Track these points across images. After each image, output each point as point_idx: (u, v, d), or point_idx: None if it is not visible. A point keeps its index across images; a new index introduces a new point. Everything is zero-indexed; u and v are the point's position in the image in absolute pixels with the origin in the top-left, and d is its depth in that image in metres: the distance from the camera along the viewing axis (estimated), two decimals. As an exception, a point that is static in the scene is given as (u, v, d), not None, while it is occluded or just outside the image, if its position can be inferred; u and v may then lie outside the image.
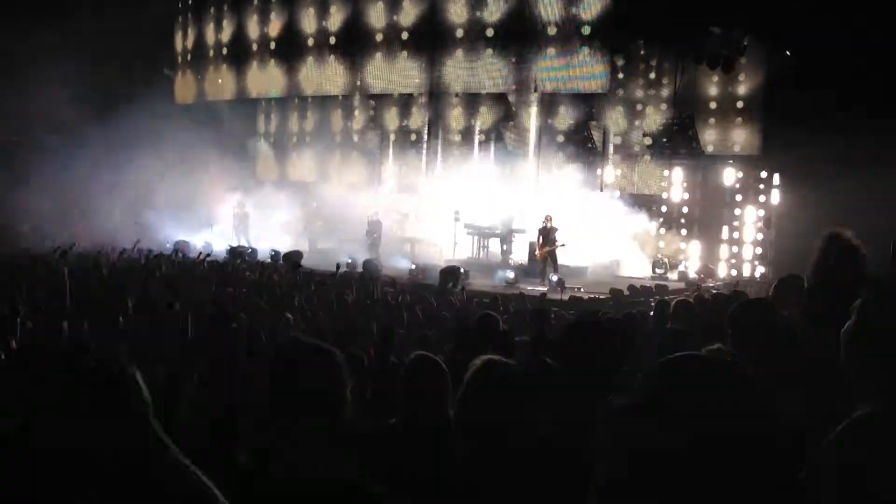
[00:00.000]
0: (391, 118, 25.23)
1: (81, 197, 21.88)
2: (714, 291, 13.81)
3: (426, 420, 3.17)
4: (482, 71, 22.57)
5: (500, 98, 23.04)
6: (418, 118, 24.63)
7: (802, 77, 17.25)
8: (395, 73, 23.79)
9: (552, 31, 21.23)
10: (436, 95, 23.63)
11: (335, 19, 24.77)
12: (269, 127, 28.54)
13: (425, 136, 24.45)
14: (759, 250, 20.25)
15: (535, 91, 22.12)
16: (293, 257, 17.22)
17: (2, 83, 21.53)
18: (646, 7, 19.24)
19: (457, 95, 23.46)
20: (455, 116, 23.90)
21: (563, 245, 18.53)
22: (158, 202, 22.86)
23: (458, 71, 22.83)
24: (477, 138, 23.73)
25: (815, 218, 16.42)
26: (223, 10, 27.58)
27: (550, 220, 18.67)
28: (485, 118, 23.49)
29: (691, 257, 20.98)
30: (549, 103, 22.40)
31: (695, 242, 21.27)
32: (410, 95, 24.36)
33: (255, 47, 26.61)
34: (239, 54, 26.97)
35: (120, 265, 13.90)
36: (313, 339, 2.45)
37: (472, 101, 23.50)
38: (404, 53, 23.58)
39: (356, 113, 26.07)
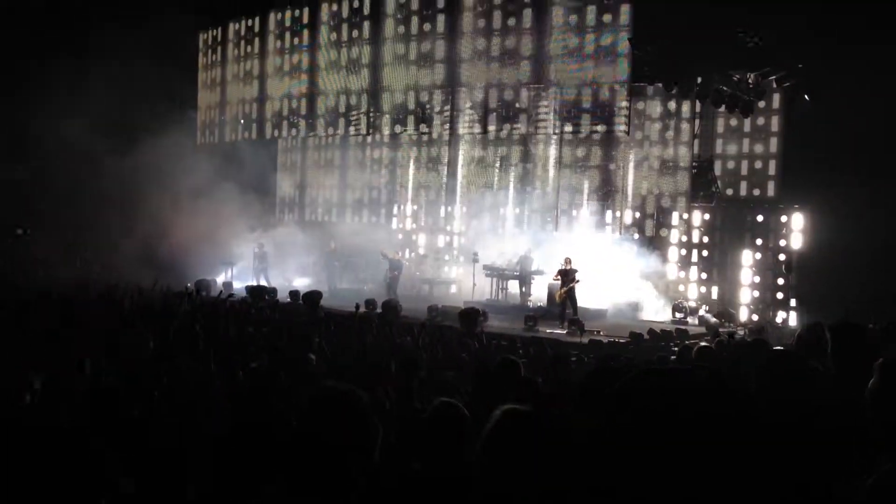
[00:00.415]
0: (411, 157, 25.42)
1: (95, 232, 22.09)
2: (736, 338, 13.68)
3: (449, 469, 3.15)
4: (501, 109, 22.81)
5: (520, 139, 23.23)
6: (439, 156, 24.82)
7: (821, 120, 17.28)
8: (415, 109, 24.05)
9: (571, 75, 21.42)
10: (455, 134, 23.84)
11: (357, 65, 25.11)
12: (289, 166, 28.84)
13: (444, 177, 24.59)
14: (780, 295, 20.10)
15: (555, 133, 22.29)
16: (313, 297, 17.25)
17: (19, 112, 21.88)
18: (664, 50, 19.41)
19: (475, 137, 23.67)
20: (476, 157, 24.09)
21: (577, 281, 18.48)
22: (177, 240, 23.02)
23: (477, 109, 23.04)
24: (497, 179, 23.83)
25: (838, 262, 16.41)
26: (246, 50, 28.07)
27: (570, 262, 18.67)
28: (506, 159, 23.63)
29: (712, 301, 20.85)
30: (569, 144, 22.55)
31: (715, 286, 21.16)
32: (430, 134, 24.57)
33: (276, 88, 27.01)
34: (261, 94, 27.41)
35: (140, 303, 13.97)
36: (348, 388, 2.42)
37: (493, 141, 23.70)
38: (424, 95, 23.84)
39: (375, 153, 26.32)
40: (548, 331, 16.19)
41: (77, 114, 21.13)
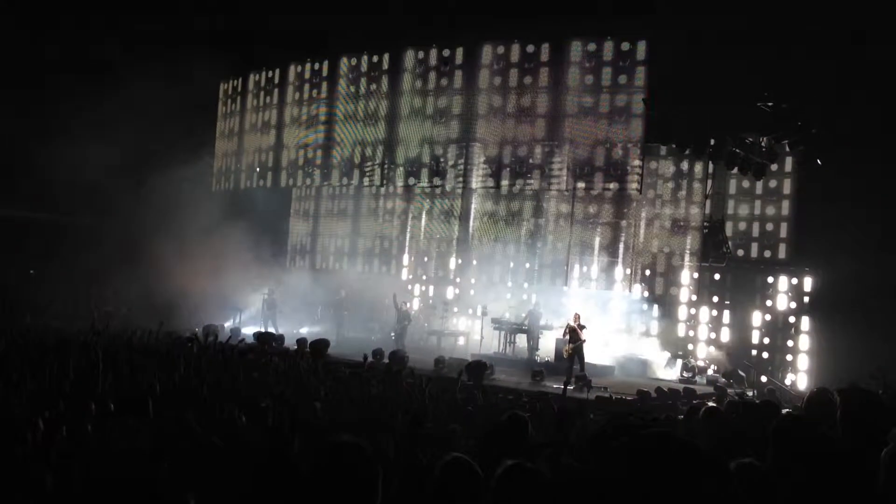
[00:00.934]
0: (423, 209, 25.58)
1: (109, 276, 22.22)
2: (745, 399, 13.55)
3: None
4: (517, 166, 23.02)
5: (533, 194, 23.38)
6: (451, 209, 24.98)
7: (833, 186, 17.37)
8: (429, 163, 24.30)
9: (586, 133, 21.68)
10: (468, 188, 24.06)
11: (374, 117, 25.48)
12: (302, 214, 29.07)
13: (456, 230, 24.71)
14: (789, 357, 19.94)
15: (568, 190, 22.45)
16: (319, 346, 17.25)
17: (35, 154, 22.22)
18: (678, 111, 19.64)
19: (488, 191, 23.89)
20: (488, 210, 24.25)
21: (584, 340, 18.38)
22: (185, 284, 23.09)
23: (492, 164, 23.28)
24: (506, 233, 23.92)
25: (848, 325, 16.32)
26: (265, 101, 28.54)
27: (579, 318, 18.63)
28: (517, 214, 23.76)
29: (720, 361, 20.69)
30: (581, 201, 22.69)
31: (724, 346, 21.02)
32: (445, 187, 24.77)
33: (292, 138, 27.38)
34: (276, 143, 27.80)
35: (148, 347, 13.99)
36: (355, 441, 2.43)
37: (506, 196, 23.88)
38: (438, 149, 24.11)
39: (388, 204, 26.51)
40: (554, 386, 16.08)
41: (97, 159, 21.43)
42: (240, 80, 29.63)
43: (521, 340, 20.93)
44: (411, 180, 24.85)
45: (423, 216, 25.58)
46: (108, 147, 21.50)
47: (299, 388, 10.04)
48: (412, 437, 5.50)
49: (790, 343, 19.96)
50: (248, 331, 21.51)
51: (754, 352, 20.44)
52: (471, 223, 24.51)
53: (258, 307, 24.12)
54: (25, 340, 12.21)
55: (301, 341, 18.78)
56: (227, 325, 22.54)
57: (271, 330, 22.03)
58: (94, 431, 5.93)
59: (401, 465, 4.87)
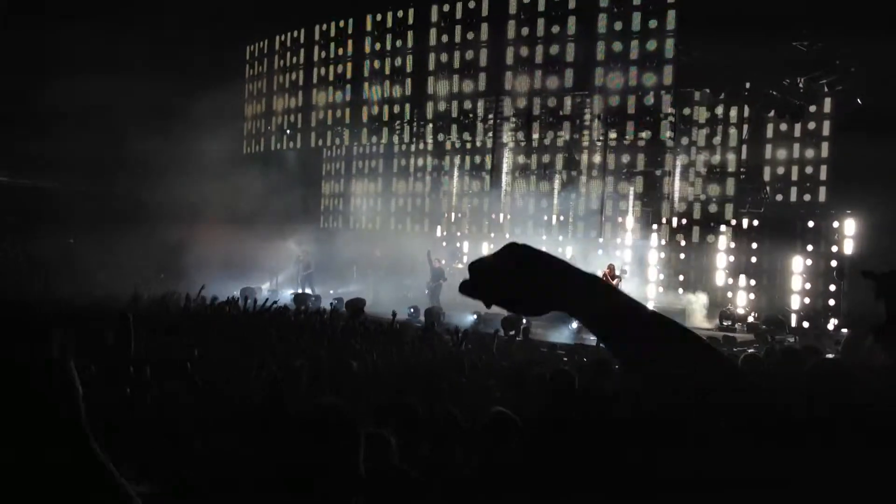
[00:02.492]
0: (456, 163, 25.39)
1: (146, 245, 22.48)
2: (785, 345, 13.37)
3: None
4: (547, 118, 22.76)
5: (565, 146, 23.08)
6: (483, 164, 24.79)
7: (873, 124, 16.86)
8: (458, 117, 24.13)
9: (616, 81, 21.33)
10: (498, 141, 23.87)
11: (401, 74, 25.30)
12: (334, 174, 29.08)
13: (488, 185, 24.53)
14: (832, 301, 19.61)
15: (600, 140, 22.16)
16: (355, 304, 17.35)
17: (71, 129, 22.39)
18: (710, 55, 19.18)
19: (519, 145, 23.67)
20: (520, 164, 24.02)
21: (625, 272, 18.31)
22: (223, 249, 23.28)
23: (522, 115, 23.09)
24: (539, 186, 23.68)
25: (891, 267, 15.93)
26: (291, 61, 28.45)
27: (613, 269, 18.49)
28: (550, 166, 23.48)
29: (761, 308, 20.43)
30: (614, 151, 22.35)
31: (764, 293, 20.74)
32: (476, 142, 24.58)
33: (321, 98, 27.31)
34: (304, 104, 27.76)
35: (190, 310, 14.17)
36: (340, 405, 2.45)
37: (537, 148, 23.61)
38: (467, 104, 23.90)
39: (419, 161, 26.37)
40: (591, 338, 16.00)
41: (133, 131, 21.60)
42: (265, 41, 29.53)
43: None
44: (441, 136, 24.69)
45: (455, 172, 25.38)
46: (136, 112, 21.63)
47: (334, 347, 10.09)
48: (439, 392, 5.47)
49: (832, 287, 19.62)
50: (286, 293, 21.71)
51: (796, 297, 20.13)
52: (503, 177, 24.28)
53: (294, 269, 24.27)
54: (60, 310, 12.38)
55: (337, 300, 18.95)
56: (265, 287, 22.75)
57: (308, 291, 22.19)
58: (131, 394, 5.99)
59: (434, 423, 4.85)
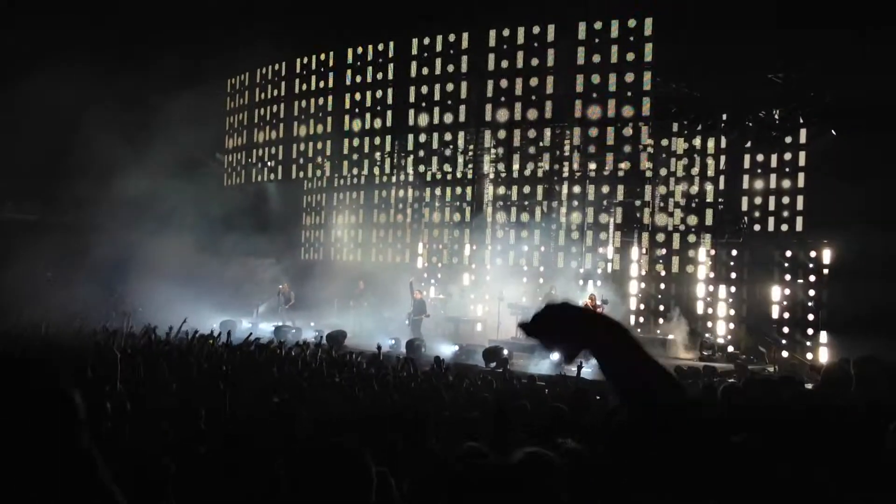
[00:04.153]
0: (437, 195, 25.46)
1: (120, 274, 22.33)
2: (764, 375, 13.46)
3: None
4: (526, 148, 22.99)
5: (545, 177, 23.23)
6: (462, 195, 24.89)
7: (847, 154, 17.12)
8: (438, 151, 24.31)
9: (595, 113, 21.63)
10: (479, 173, 24.04)
11: (380, 102, 25.49)
12: (314, 206, 29.09)
13: (469, 216, 24.62)
14: (810, 331, 19.74)
15: (579, 171, 22.37)
16: (336, 337, 17.32)
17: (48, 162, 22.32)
18: (688, 87, 19.48)
19: (499, 176, 23.83)
20: (500, 195, 24.14)
21: (605, 302, 18.48)
22: (204, 281, 23.13)
23: (501, 148, 23.33)
24: (519, 217, 23.78)
25: (870, 300, 16.10)
26: (272, 94, 28.59)
27: (594, 299, 18.61)
28: (529, 196, 23.61)
29: (740, 338, 20.53)
30: (594, 182, 22.53)
31: (743, 322, 20.84)
32: (456, 173, 24.72)
33: (301, 130, 27.41)
34: (285, 136, 27.87)
35: (171, 346, 14.02)
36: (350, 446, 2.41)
37: (517, 179, 23.75)
38: (448, 135, 24.09)
39: (400, 192, 26.43)
40: (572, 369, 15.99)
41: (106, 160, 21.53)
42: (246, 74, 29.68)
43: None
44: (421, 168, 24.83)
45: (436, 204, 25.45)
46: (116, 146, 21.58)
47: (315, 379, 10.03)
48: (423, 427, 5.45)
49: (811, 317, 19.75)
50: (267, 325, 21.60)
51: (774, 327, 20.24)
52: (484, 209, 24.39)
53: (275, 302, 24.17)
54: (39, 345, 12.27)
55: (318, 333, 18.85)
56: (245, 320, 22.61)
57: (289, 323, 22.09)
58: (109, 431, 5.93)
59: (413, 458, 4.84)
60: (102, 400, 6.78)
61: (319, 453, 2.35)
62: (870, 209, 15.85)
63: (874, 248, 15.71)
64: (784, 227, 20.52)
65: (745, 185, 21.05)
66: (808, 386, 7.21)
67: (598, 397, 9.24)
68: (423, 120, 24.49)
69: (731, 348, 19.85)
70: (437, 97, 24.27)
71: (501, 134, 23.31)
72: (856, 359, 4.25)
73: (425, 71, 24.48)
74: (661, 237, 21.92)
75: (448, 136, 24.14)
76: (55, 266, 21.65)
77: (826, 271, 19.57)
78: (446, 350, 18.09)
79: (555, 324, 1.85)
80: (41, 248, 22.55)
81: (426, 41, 24.43)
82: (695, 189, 21.53)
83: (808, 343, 19.43)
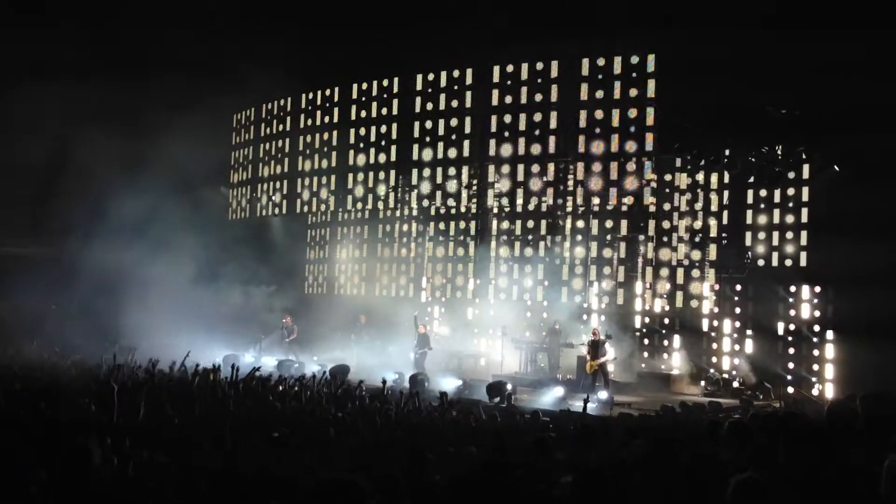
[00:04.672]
0: (438, 231, 25.48)
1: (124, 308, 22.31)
2: (769, 411, 13.34)
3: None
4: (529, 183, 23.11)
5: (549, 211, 23.28)
6: (466, 229, 24.92)
7: (850, 191, 17.14)
8: (443, 186, 24.43)
9: (598, 148, 21.78)
10: (483, 207, 24.11)
11: (384, 137, 25.70)
12: (318, 240, 29.16)
13: (472, 250, 24.64)
14: (815, 367, 19.60)
15: (583, 205, 22.43)
16: (339, 371, 17.25)
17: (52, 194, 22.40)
18: (691, 122, 19.58)
19: (503, 211, 23.88)
20: (504, 229, 24.16)
21: (614, 358, 18.58)
22: (207, 315, 23.10)
23: (505, 183, 23.45)
24: (523, 251, 23.78)
25: (874, 335, 16.04)
26: (277, 129, 28.85)
27: (598, 333, 18.56)
28: (533, 231, 23.63)
29: (745, 373, 20.38)
30: (597, 217, 22.56)
31: (749, 358, 20.70)
32: (458, 208, 24.79)
33: (306, 164, 27.60)
34: (290, 171, 28.07)
35: (174, 380, 13.97)
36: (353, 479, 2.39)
37: (521, 214, 23.79)
38: (452, 170, 24.24)
39: (404, 227, 26.49)
40: (577, 404, 15.89)
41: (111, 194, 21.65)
42: (252, 109, 29.96)
43: (543, 359, 20.77)
44: (426, 202, 24.93)
45: (440, 238, 25.49)
46: (120, 179, 21.72)
47: (318, 413, 9.98)
48: (423, 460, 5.40)
49: (816, 353, 19.63)
50: (270, 359, 21.52)
51: (780, 363, 20.11)
52: (487, 243, 24.40)
53: (278, 335, 24.11)
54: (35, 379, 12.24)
55: (322, 367, 18.78)
56: (248, 354, 22.53)
57: (291, 357, 22.01)
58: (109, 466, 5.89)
59: (415, 493, 4.80)
60: (102, 435, 6.76)
61: (319, 488, 2.34)
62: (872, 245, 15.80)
63: (877, 285, 15.66)
64: (788, 263, 20.48)
65: (749, 220, 21.05)
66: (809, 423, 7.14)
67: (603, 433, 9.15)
68: (428, 155, 24.65)
69: (736, 383, 19.71)
70: (441, 132, 24.46)
71: (505, 169, 23.45)
72: (862, 395, 4.23)
73: (429, 106, 24.70)
74: (664, 272, 21.88)
75: (452, 171, 24.28)
76: (56, 298, 21.63)
77: (831, 307, 19.49)
78: (449, 385, 17.99)
79: None
80: (36, 280, 22.59)
81: (430, 77, 24.67)
82: (698, 224, 21.53)
83: (814, 379, 19.28)
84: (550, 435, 7.81)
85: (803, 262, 20.24)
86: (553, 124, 22.66)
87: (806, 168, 20.14)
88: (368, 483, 2.32)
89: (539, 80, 22.84)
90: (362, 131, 26.25)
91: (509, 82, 23.29)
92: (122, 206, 21.88)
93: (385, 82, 25.85)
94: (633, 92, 21.35)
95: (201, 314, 23.17)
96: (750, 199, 21.12)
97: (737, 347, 20.90)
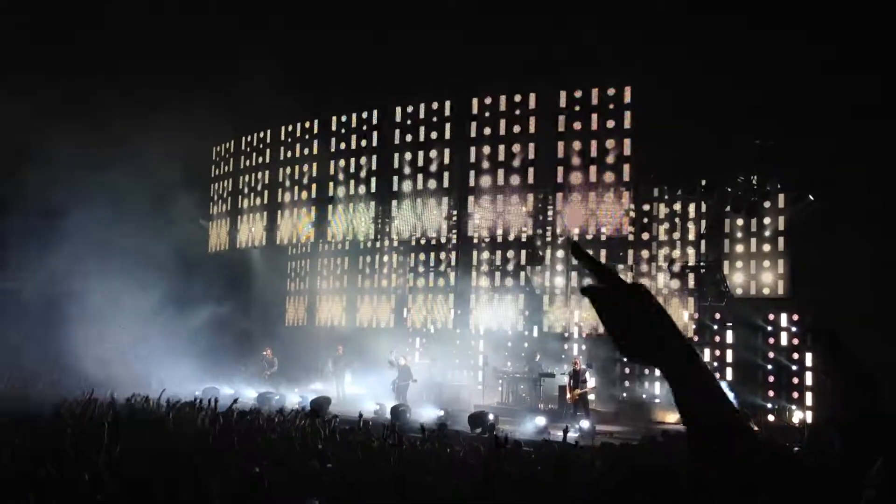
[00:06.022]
0: (419, 262, 25.50)
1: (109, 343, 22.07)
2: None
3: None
4: (509, 214, 23.21)
5: (528, 242, 23.37)
6: (445, 262, 24.94)
7: (826, 220, 17.39)
8: (423, 217, 24.49)
9: (577, 179, 21.96)
10: (463, 238, 24.15)
11: (364, 168, 25.78)
12: (299, 271, 29.08)
13: (452, 281, 24.64)
14: (795, 394, 19.71)
15: (561, 236, 22.54)
16: (320, 404, 17.15)
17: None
18: (666, 153, 19.81)
19: (483, 241, 23.95)
20: (482, 259, 24.22)
21: (594, 388, 18.57)
22: (185, 347, 22.92)
23: (485, 214, 23.53)
24: (504, 281, 23.82)
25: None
26: (257, 161, 28.86)
27: (579, 362, 18.60)
28: (512, 261, 23.69)
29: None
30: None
31: (728, 386, 20.78)
32: (439, 239, 24.82)
33: (286, 196, 27.60)
34: (270, 203, 28.04)
35: (147, 412, 13.82)
36: None
37: (501, 244, 23.87)
38: (432, 201, 24.32)
39: (384, 258, 26.49)
40: (558, 434, 15.86)
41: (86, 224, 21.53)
42: (231, 142, 29.98)
43: (524, 389, 20.75)
44: (406, 233, 24.97)
45: (420, 269, 25.49)
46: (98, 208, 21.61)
47: (299, 445, 9.89)
48: (400, 496, 5.39)
49: (795, 380, 19.75)
50: (250, 391, 21.33)
51: (760, 391, 20.20)
52: (468, 273, 24.43)
53: (258, 368, 23.93)
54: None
55: (301, 400, 18.66)
56: (228, 386, 22.32)
57: (272, 390, 21.83)
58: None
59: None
60: (81, 471, 6.67)
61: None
62: (847, 272, 16.02)
63: (854, 312, 15.82)
64: (766, 291, 20.67)
65: (727, 249, 21.26)
66: (795, 448, 7.19)
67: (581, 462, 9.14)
68: (408, 186, 24.74)
69: (717, 412, 19.72)
70: (420, 163, 24.57)
71: (485, 200, 23.57)
72: (839, 424, 4.25)
73: (409, 138, 24.83)
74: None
75: (432, 202, 24.37)
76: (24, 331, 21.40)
77: (809, 335, 19.65)
78: (431, 415, 17.91)
79: (631, 306, 1.54)
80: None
81: (409, 109, 24.84)
82: (677, 253, 21.70)
83: (794, 406, 19.38)
84: (537, 468, 7.78)
85: (781, 291, 20.44)
86: (532, 155, 22.85)
87: (782, 197, 20.42)
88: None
89: (517, 112, 23.06)
90: (342, 163, 26.32)
91: (488, 114, 23.49)
92: (99, 240, 21.73)
93: (364, 114, 25.99)
94: (611, 123, 21.60)
95: (179, 347, 23.00)
96: (727, 229, 21.35)
97: (717, 376, 20.94)
